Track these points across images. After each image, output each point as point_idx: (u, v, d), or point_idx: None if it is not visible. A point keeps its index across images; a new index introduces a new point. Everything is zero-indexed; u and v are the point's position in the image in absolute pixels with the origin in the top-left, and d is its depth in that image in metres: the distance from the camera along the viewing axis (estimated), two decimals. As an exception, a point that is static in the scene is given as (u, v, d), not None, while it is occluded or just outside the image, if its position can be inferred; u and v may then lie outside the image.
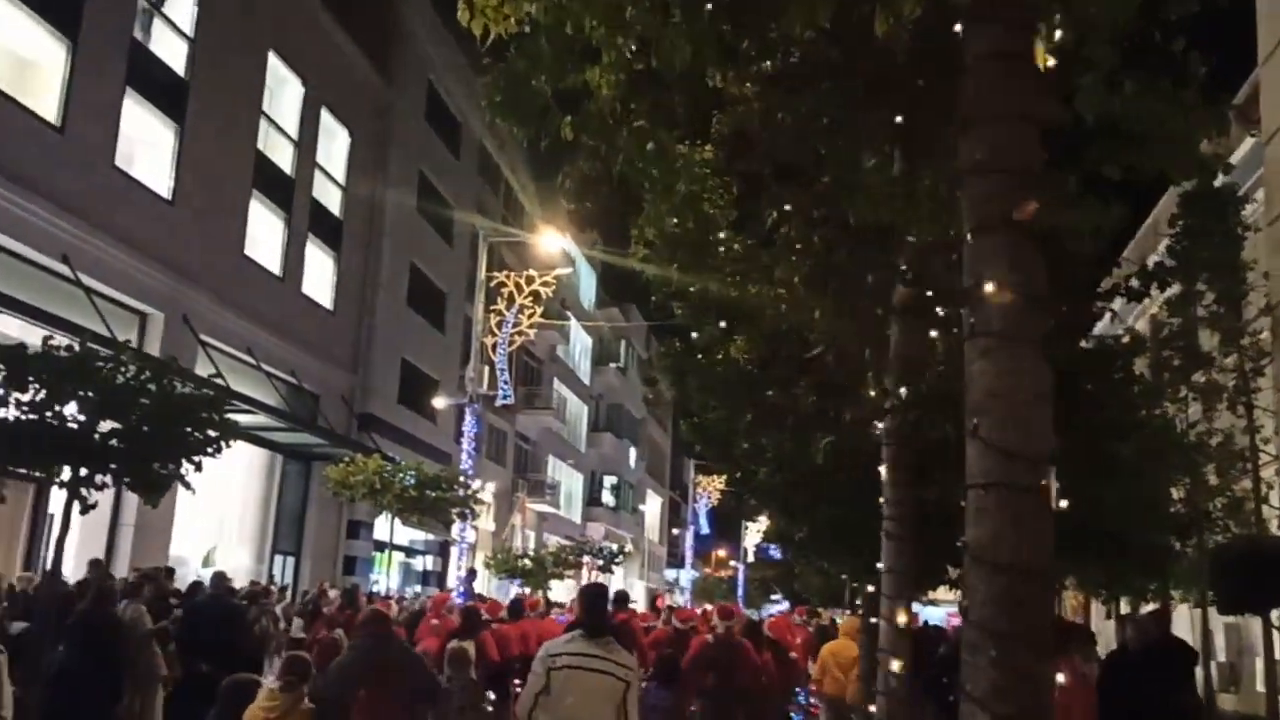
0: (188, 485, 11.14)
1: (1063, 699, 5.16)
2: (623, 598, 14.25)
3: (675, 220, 6.75)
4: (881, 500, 6.16)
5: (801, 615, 18.58)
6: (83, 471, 10.40)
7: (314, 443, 25.42)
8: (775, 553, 39.89)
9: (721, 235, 7.84)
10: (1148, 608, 22.52)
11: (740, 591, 66.34)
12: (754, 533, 56.45)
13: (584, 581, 42.43)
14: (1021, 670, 2.67)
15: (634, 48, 3.68)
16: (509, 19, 4.06)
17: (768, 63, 5.33)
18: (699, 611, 20.68)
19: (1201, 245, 16.63)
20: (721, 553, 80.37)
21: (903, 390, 6.10)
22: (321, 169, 27.63)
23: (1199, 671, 21.04)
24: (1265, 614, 11.83)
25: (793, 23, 3.86)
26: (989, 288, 2.87)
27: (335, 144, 28.67)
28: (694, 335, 9.34)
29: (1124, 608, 26.02)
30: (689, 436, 10.39)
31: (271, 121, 25.00)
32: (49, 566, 10.43)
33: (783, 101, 5.42)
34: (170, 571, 15.73)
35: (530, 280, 27.98)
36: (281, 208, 25.53)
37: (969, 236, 2.99)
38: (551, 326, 35.04)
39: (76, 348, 10.72)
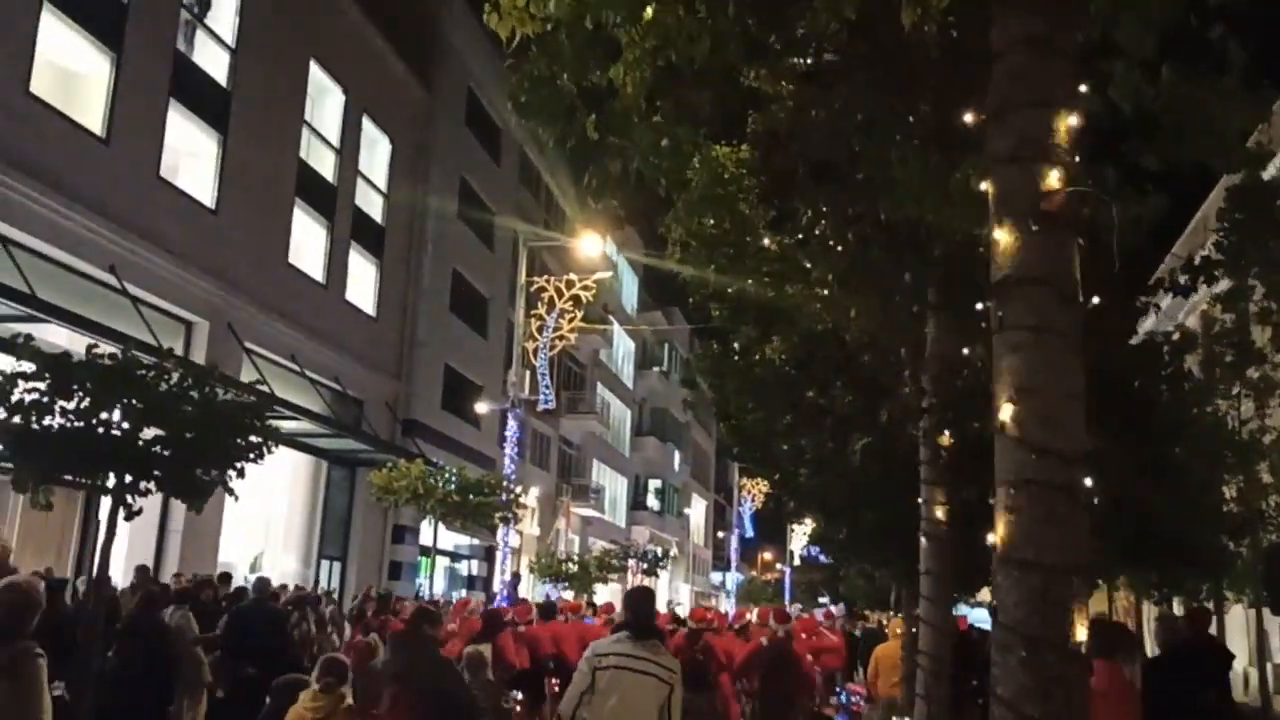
0: (231, 492, 11.27)
1: (1105, 705, 4.98)
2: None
3: (699, 220, 6.71)
4: (920, 501, 6.07)
5: (830, 618, 18.38)
6: (127, 479, 10.58)
7: (358, 448, 25.62)
8: (821, 556, 39.70)
9: (758, 236, 7.79)
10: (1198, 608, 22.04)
11: (787, 595, 66.06)
12: (800, 535, 56.14)
13: (629, 585, 42.46)
14: (1052, 673, 2.60)
15: (654, 43, 3.64)
16: (535, 19, 4.05)
17: (799, 59, 5.28)
18: (720, 611, 20.67)
19: (1251, 239, 16.28)
20: (767, 555, 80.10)
21: (938, 389, 6.02)
22: (364, 176, 27.89)
23: (1254, 673, 20.62)
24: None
25: (819, 16, 3.81)
26: (1018, 281, 2.80)
27: (377, 152, 28.92)
28: (731, 337, 9.30)
29: (1177, 609, 25.58)
30: (728, 439, 10.35)
31: (313, 130, 25.27)
32: (95, 573, 10.61)
33: (815, 98, 5.36)
34: (225, 577, 15.94)
35: (570, 284, 28.05)
36: (324, 215, 25.78)
37: (996, 228, 2.92)
38: (594, 331, 35.10)
39: (120, 355, 10.91)
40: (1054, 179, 2.84)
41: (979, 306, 5.33)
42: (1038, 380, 2.75)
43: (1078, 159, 3.06)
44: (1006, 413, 2.79)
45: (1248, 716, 18.11)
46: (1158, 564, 13.30)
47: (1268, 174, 15.84)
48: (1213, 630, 19.55)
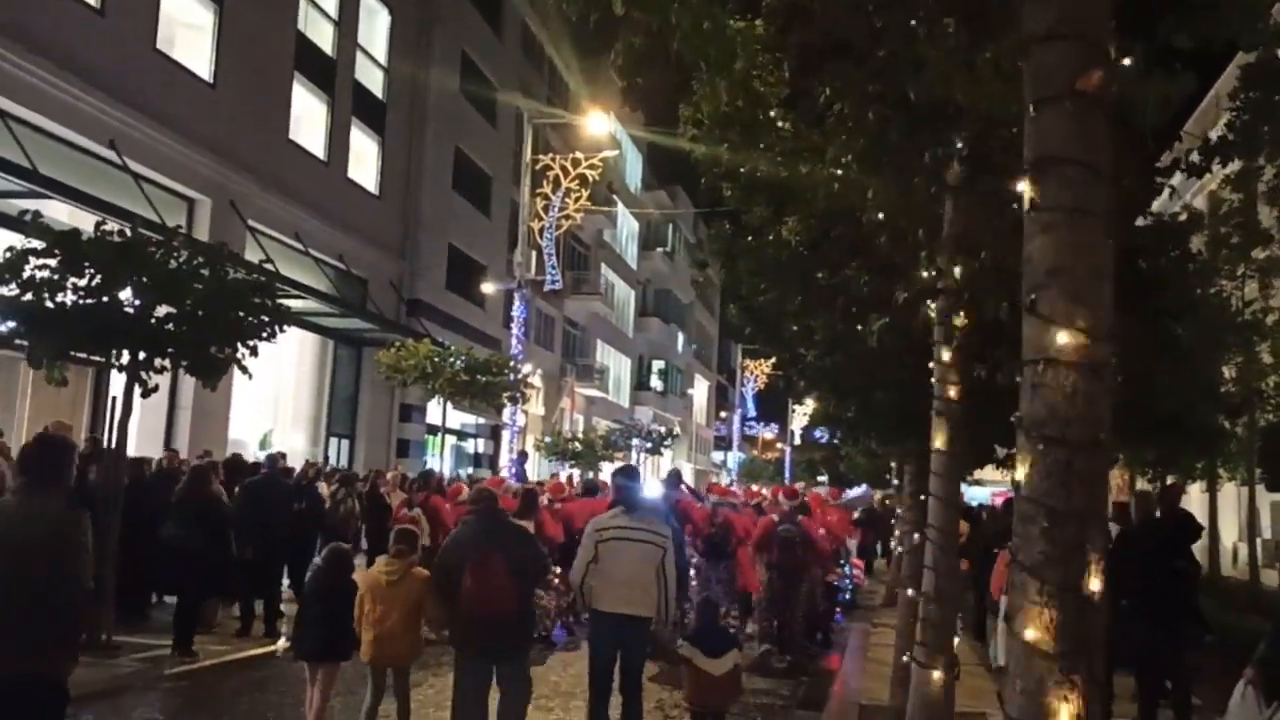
0: (245, 369, 11.43)
1: None
2: (676, 476, 14.68)
3: (727, 100, 6.62)
4: (933, 381, 6.17)
5: (836, 496, 18.87)
6: (141, 355, 10.72)
7: (364, 328, 25.79)
8: (822, 437, 40.23)
9: (772, 114, 7.70)
10: (1194, 486, 22.56)
11: (787, 474, 67.21)
12: (800, 416, 56.79)
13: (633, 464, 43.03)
14: (1072, 541, 2.71)
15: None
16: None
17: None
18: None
19: (1263, 119, 16.08)
20: (768, 435, 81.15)
21: (956, 270, 6.04)
22: (363, 50, 27.37)
23: (1244, 548, 21.14)
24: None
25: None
26: (1054, 160, 2.82)
27: (376, 24, 28.31)
28: (744, 218, 9.26)
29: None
30: (738, 319, 10.39)
31: (311, 1, 24.69)
32: (113, 446, 10.84)
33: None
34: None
35: (576, 163, 27.72)
36: (324, 90, 25.40)
37: (1032, 109, 2.92)
38: (598, 211, 34.86)
39: (129, 234, 10.92)
40: (1090, 58, 2.84)
41: (1012, 188, 5.33)
42: (1068, 260, 2.79)
43: (1113, 37, 3.04)
44: (1036, 292, 2.85)
45: (1236, 589, 18.65)
46: (1157, 440, 13.55)
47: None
48: (1206, 506, 20.06)
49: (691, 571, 12.42)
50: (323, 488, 15.53)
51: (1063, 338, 2.71)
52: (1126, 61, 3.75)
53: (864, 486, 23.76)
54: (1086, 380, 2.71)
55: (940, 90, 4.71)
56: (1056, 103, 2.81)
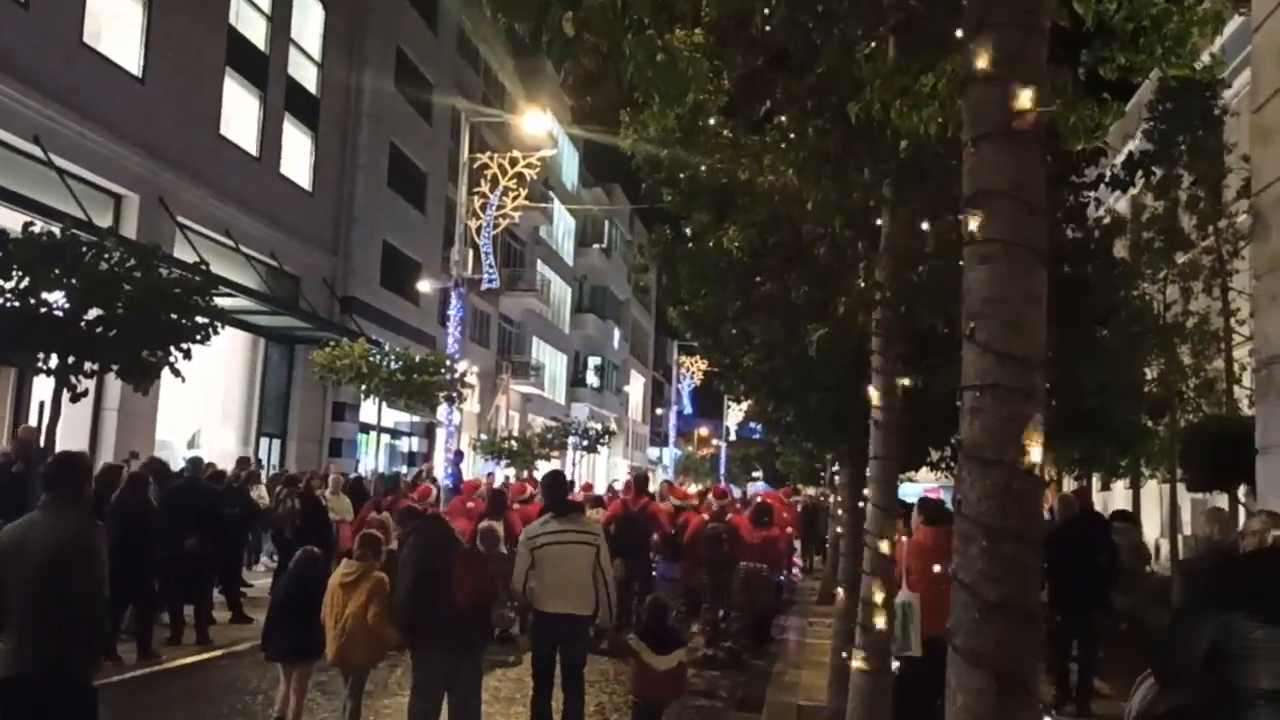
0: (178, 373, 11.27)
1: (928, 556, 7.10)
2: (643, 481, 14.93)
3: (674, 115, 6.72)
4: (870, 389, 6.33)
5: (788, 495, 19.19)
6: (70, 360, 10.50)
7: (296, 326, 25.47)
8: (756, 432, 40.59)
9: (711, 122, 7.81)
10: (1118, 484, 23.19)
11: (722, 469, 67.75)
12: (736, 412, 57.25)
13: (568, 460, 43.11)
14: (1009, 559, 2.85)
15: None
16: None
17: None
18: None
19: (1180, 130, 16.70)
20: (704, 431, 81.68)
21: (892, 283, 6.21)
22: (296, 45, 26.99)
23: (1165, 544, 21.83)
24: (1232, 491, 12.43)
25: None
26: (990, 194, 2.95)
27: (309, 19, 27.94)
28: (684, 223, 9.37)
29: (1095, 482, 26.74)
30: (678, 323, 10.52)
31: (242, -6, 24.31)
32: (43, 452, 10.61)
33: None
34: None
35: (514, 162, 27.61)
36: (256, 85, 25.01)
37: (970, 144, 3.05)
38: (535, 208, 34.74)
39: (58, 234, 10.68)
40: (1026, 98, 2.97)
41: (945, 204, 5.48)
42: (1005, 290, 2.92)
43: (1046, 74, 3.18)
44: (974, 321, 2.98)
45: (1159, 583, 19.24)
46: (1081, 438, 13.96)
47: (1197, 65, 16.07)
48: (1129, 504, 20.62)
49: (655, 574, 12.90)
50: (261, 490, 15.40)
51: (999, 365, 2.85)
52: (1058, 104, 3.90)
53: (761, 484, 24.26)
54: (1021, 404, 2.86)
55: (877, 111, 4.85)
56: (993, 139, 2.94)
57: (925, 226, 5.98)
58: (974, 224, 2.99)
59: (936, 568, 6.69)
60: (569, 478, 18.20)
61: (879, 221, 6.71)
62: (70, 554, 4.52)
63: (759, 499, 14.37)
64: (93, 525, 4.74)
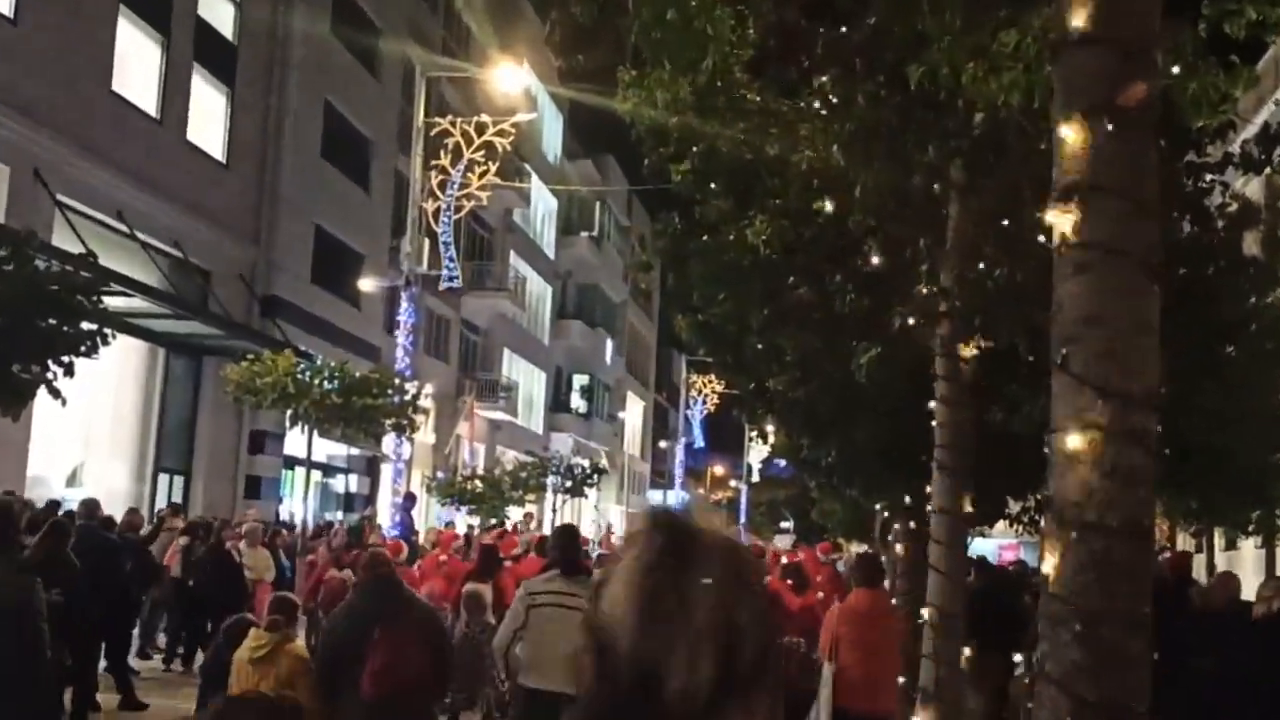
0: (57, 393, 11.31)
1: (867, 624, 7.66)
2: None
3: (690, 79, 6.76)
4: (934, 425, 6.35)
5: (826, 553, 19.14)
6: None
7: (205, 332, 25.48)
8: (784, 466, 40.48)
9: (736, 80, 7.85)
10: (1246, 542, 23.15)
11: (742, 518, 67.64)
12: (760, 447, 57.22)
13: (547, 506, 43.15)
14: (1110, 648, 2.86)
15: None
16: None
17: None
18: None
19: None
20: (719, 469, 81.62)
21: (961, 290, 6.24)
22: (208, -22, 27.13)
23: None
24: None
25: None
26: (1089, 188, 2.96)
27: (225, -55, 28.09)
28: (698, 209, 9.40)
29: (1218, 540, 26.78)
30: (690, 336, 10.55)
31: (142, -85, 24.45)
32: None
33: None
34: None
35: (482, 129, 27.65)
36: (157, 29, 25.10)
37: (1061, 122, 3.06)
38: (508, 187, 34.80)
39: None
40: (1135, 66, 2.99)
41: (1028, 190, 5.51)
42: (1106, 308, 2.94)
43: (1160, 34, 3.20)
44: (1067, 346, 3.00)
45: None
46: (1200, 485, 13.95)
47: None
48: (1263, 567, 20.64)
49: None
50: (166, 541, 15.43)
51: (1099, 402, 2.86)
52: (1175, 69, 3.94)
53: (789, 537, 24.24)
54: (1129, 453, 2.86)
55: (945, 76, 4.88)
56: (1092, 117, 2.96)
57: (1005, 223, 6.01)
58: (1066, 224, 3.00)
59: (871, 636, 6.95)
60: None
61: (945, 212, 6.74)
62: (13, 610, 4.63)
63: (783, 558, 14.22)
64: (29, 579, 4.88)
